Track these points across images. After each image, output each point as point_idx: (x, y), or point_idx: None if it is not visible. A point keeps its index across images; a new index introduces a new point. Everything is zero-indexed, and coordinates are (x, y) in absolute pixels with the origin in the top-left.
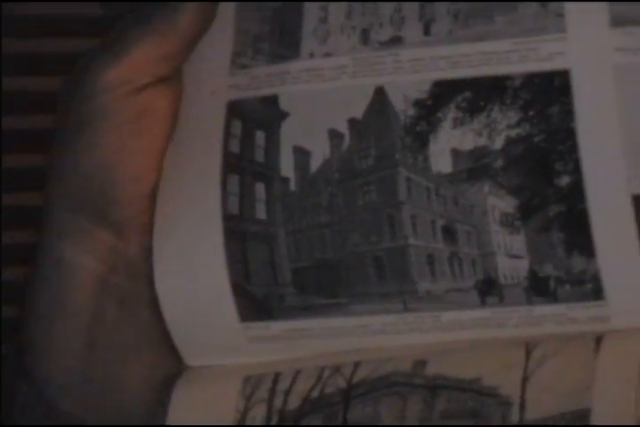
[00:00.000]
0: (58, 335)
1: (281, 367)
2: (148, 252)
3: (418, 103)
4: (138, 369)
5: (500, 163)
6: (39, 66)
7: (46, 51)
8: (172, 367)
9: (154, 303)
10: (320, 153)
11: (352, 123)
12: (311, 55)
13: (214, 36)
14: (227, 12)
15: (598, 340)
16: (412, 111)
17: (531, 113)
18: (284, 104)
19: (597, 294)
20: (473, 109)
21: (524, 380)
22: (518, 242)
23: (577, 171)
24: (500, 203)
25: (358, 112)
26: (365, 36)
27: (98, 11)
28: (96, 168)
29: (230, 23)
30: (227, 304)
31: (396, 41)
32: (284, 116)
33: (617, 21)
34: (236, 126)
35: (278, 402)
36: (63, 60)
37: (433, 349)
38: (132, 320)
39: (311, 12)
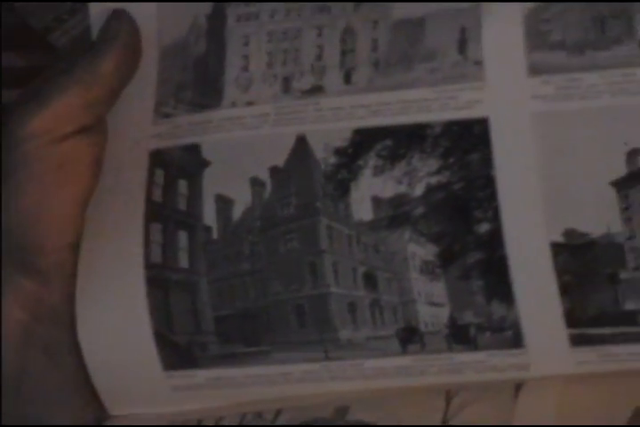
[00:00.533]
0: None
1: (204, 415)
2: (71, 300)
3: (339, 151)
4: (63, 414)
5: (420, 210)
6: None
7: None
8: (97, 413)
9: (78, 351)
10: (242, 201)
11: (274, 171)
12: (233, 104)
13: (138, 85)
14: (150, 61)
15: (518, 387)
16: (333, 159)
17: (450, 160)
18: (206, 153)
19: (517, 341)
20: (393, 157)
21: (444, 423)
22: (439, 289)
23: (496, 218)
24: (421, 250)
25: (280, 160)
26: (287, 85)
27: (19, 61)
28: (19, 218)
29: (153, 72)
30: (149, 353)
31: (317, 90)
32: (206, 164)
33: (534, 70)
34: (159, 175)
35: None
36: None
37: (355, 396)
38: (56, 368)
39: (233, 60)
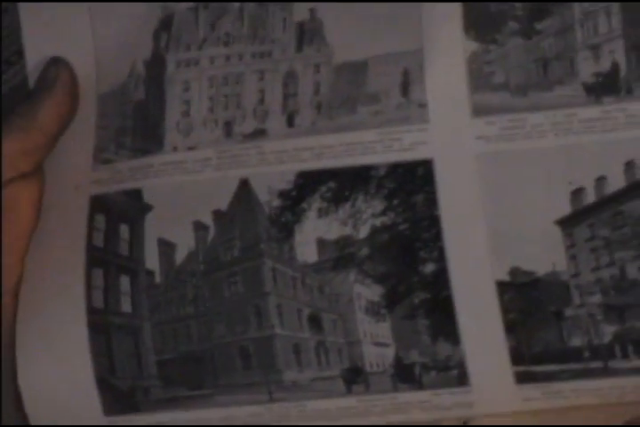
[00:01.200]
0: None
1: None
2: (12, 347)
3: (282, 194)
4: None
5: (365, 251)
6: None
7: None
8: None
9: (19, 399)
10: (185, 245)
11: (217, 214)
12: (175, 149)
13: (76, 130)
14: (88, 107)
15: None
16: (276, 202)
17: (395, 202)
18: (147, 197)
19: (462, 379)
20: (338, 199)
21: None
22: (384, 330)
23: (441, 258)
24: (366, 291)
25: (223, 204)
26: (229, 129)
27: None
28: None
29: (92, 118)
30: (91, 398)
31: (259, 133)
32: (147, 209)
33: (478, 111)
34: (100, 220)
35: None
36: None
37: None
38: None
39: (174, 106)
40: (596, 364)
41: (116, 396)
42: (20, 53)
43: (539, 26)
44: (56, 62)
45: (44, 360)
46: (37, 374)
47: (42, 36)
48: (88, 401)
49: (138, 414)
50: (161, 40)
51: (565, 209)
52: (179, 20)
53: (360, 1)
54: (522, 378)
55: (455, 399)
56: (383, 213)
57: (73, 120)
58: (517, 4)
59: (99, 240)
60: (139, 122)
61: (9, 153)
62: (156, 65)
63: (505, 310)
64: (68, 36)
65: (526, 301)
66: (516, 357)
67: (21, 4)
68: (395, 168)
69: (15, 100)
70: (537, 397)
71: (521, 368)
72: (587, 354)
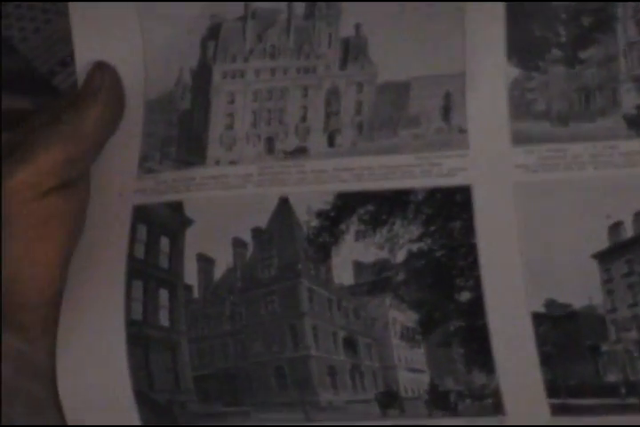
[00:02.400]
0: None
1: None
2: (53, 355)
3: (321, 214)
4: None
5: (401, 276)
6: None
7: None
8: None
9: (59, 406)
10: (224, 261)
11: (256, 232)
12: (217, 162)
13: (122, 138)
14: (135, 114)
15: None
16: (315, 222)
17: (432, 228)
18: (188, 211)
19: (497, 408)
20: (375, 223)
21: None
22: (419, 356)
23: (478, 287)
24: (402, 316)
25: (262, 221)
26: (270, 145)
27: (26, 104)
28: (1, 274)
29: (139, 125)
30: (129, 410)
31: (300, 151)
32: (188, 223)
33: (518, 139)
34: (142, 231)
35: None
36: None
37: None
38: (39, 422)
39: (217, 118)
40: (633, 400)
41: (154, 409)
42: (71, 57)
43: (582, 55)
44: (101, 67)
45: (82, 371)
46: (76, 385)
47: (92, 41)
48: (126, 413)
49: None
50: (208, 49)
51: (603, 243)
52: (226, 29)
53: None
54: (557, 410)
55: None
56: (420, 238)
57: (119, 127)
58: (562, 32)
59: (140, 252)
60: (183, 132)
61: (54, 161)
62: (202, 74)
63: (540, 341)
64: (117, 41)
65: (562, 334)
66: (552, 389)
67: (72, 8)
68: (433, 193)
69: (59, 104)
70: None
71: (556, 401)
72: (623, 390)
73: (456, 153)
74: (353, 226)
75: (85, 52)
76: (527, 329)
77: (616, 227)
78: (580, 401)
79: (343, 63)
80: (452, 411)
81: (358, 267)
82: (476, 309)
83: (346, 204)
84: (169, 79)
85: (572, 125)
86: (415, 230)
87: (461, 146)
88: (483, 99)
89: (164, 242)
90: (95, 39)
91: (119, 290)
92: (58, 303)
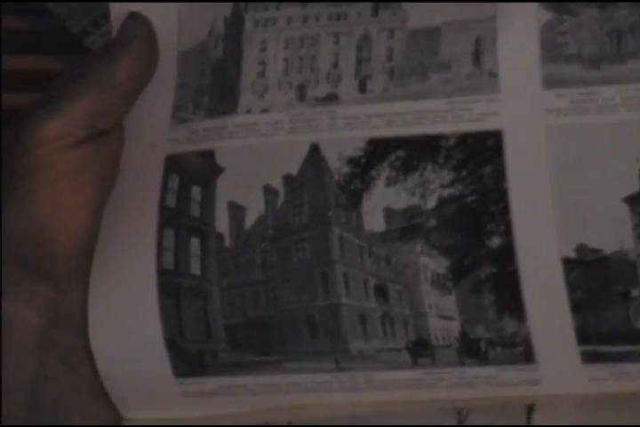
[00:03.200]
0: (5, 393)
1: (216, 422)
2: (86, 306)
3: (352, 161)
4: (80, 418)
5: (432, 223)
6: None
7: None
8: (112, 418)
9: (92, 356)
10: (255, 209)
11: (287, 179)
12: (249, 110)
13: (156, 88)
14: (169, 65)
15: (529, 408)
16: (346, 169)
17: (463, 173)
18: (220, 159)
19: (528, 356)
20: (406, 168)
21: None
22: (450, 303)
23: (508, 232)
24: (432, 263)
25: (293, 169)
26: (302, 93)
27: (57, 65)
28: (33, 224)
29: (172, 76)
30: (161, 360)
31: (331, 98)
32: (219, 171)
33: (549, 83)
34: (174, 181)
35: None
36: None
37: (366, 408)
38: (72, 372)
39: (250, 66)
40: None
41: (186, 358)
42: (104, 17)
43: None
44: (134, 18)
45: (114, 321)
46: (108, 335)
47: None
48: (158, 363)
49: (207, 376)
50: None
51: (634, 187)
52: None
53: None
54: (588, 358)
55: (522, 376)
56: (451, 184)
57: (152, 77)
58: None
59: (171, 201)
60: (216, 81)
61: (86, 111)
62: (235, 24)
63: (571, 288)
64: None
65: (593, 279)
66: (583, 336)
67: None
68: (464, 138)
69: (91, 56)
70: (604, 377)
71: (587, 348)
72: None
73: (487, 97)
74: (384, 172)
75: (119, 4)
76: (558, 275)
77: None
78: (612, 348)
79: (374, 10)
80: (483, 359)
81: (389, 213)
82: (506, 255)
83: (377, 150)
84: (202, 29)
85: (604, 68)
86: (446, 176)
87: (492, 90)
88: (514, 42)
89: (196, 191)
90: None
91: (151, 239)
92: (90, 253)
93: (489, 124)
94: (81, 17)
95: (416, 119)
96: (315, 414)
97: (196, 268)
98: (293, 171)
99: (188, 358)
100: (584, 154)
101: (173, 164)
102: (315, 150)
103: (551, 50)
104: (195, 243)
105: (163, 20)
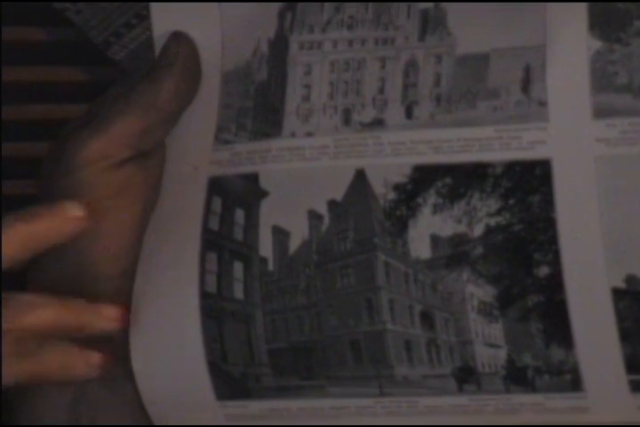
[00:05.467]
0: (42, 414)
1: None
2: (124, 331)
3: (398, 187)
4: None
5: (479, 251)
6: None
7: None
8: None
9: (133, 379)
10: (299, 234)
11: (332, 204)
12: (293, 134)
13: (198, 109)
14: (212, 85)
15: None
16: (392, 195)
17: (511, 202)
18: (264, 183)
19: (576, 385)
20: (453, 196)
21: None
22: (496, 331)
23: (556, 261)
24: (479, 291)
25: (338, 194)
26: (347, 117)
27: (80, 76)
28: (74, 245)
29: (215, 97)
30: (203, 383)
31: (377, 123)
32: (263, 194)
33: (599, 112)
34: (217, 203)
35: None
36: (50, 125)
37: None
38: (113, 397)
39: (294, 89)
40: None
41: (228, 381)
42: (139, 17)
43: None
44: (177, 38)
45: (156, 343)
46: (150, 357)
47: (169, 12)
48: (200, 385)
49: (249, 400)
50: (285, 20)
51: None
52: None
53: None
54: (637, 387)
55: (569, 404)
56: (498, 212)
57: (195, 98)
58: None
59: (214, 224)
60: (260, 103)
61: (128, 131)
62: (279, 45)
63: (620, 317)
64: (195, 12)
65: None
66: (632, 365)
67: None
68: (512, 167)
69: (134, 75)
70: None
71: (636, 377)
72: None
73: (536, 126)
74: (430, 199)
75: (162, 23)
76: (607, 305)
77: None
78: None
79: (422, 35)
80: (530, 387)
81: (435, 240)
82: (554, 283)
83: (423, 176)
84: (246, 50)
85: None
86: (493, 204)
87: (541, 119)
88: (563, 71)
89: (239, 214)
90: (173, 10)
91: (193, 262)
92: (131, 275)
93: (537, 153)
94: (103, 28)
95: (463, 146)
96: None
97: (239, 292)
98: (338, 196)
99: (231, 381)
100: (633, 185)
101: (216, 186)
102: (360, 176)
103: (601, 79)
104: (238, 266)
105: (206, 39)
